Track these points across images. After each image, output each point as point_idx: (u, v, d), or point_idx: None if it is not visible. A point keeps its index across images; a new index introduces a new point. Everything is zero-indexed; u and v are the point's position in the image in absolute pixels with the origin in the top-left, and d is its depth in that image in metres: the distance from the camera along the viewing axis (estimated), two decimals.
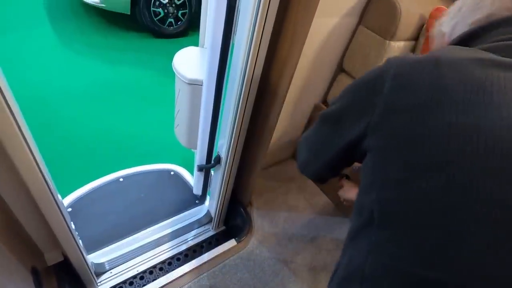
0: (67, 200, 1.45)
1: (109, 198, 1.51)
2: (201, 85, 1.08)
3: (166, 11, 3.03)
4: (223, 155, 1.17)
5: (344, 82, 1.48)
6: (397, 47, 1.26)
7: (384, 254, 0.40)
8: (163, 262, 1.30)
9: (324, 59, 1.39)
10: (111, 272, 1.23)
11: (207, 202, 1.56)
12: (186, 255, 1.34)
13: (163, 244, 1.36)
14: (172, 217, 1.47)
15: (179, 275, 1.26)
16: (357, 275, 0.44)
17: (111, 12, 2.95)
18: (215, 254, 1.36)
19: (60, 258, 1.11)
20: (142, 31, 3.16)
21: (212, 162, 1.23)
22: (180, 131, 1.32)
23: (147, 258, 1.30)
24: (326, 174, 0.61)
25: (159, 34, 3.13)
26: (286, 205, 1.62)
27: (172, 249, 1.35)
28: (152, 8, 2.94)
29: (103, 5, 2.84)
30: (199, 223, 1.48)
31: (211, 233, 1.46)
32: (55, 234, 0.88)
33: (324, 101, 1.63)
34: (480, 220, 0.34)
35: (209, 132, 1.17)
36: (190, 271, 1.28)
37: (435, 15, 1.19)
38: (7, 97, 0.57)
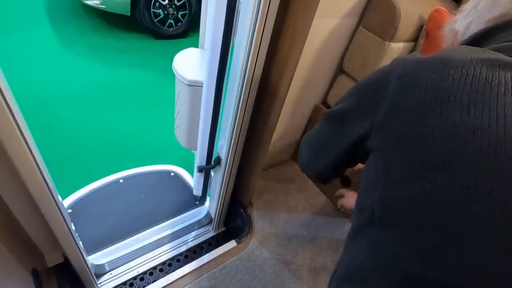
0: (67, 202, 1.45)
1: (109, 199, 1.51)
2: (201, 86, 1.08)
3: (166, 12, 3.04)
4: (223, 156, 1.17)
5: (344, 83, 1.48)
6: (396, 48, 1.27)
7: (385, 254, 0.40)
8: (163, 263, 1.30)
9: (324, 60, 1.39)
10: (111, 274, 1.23)
11: (207, 203, 1.56)
12: (186, 256, 1.34)
13: (163, 245, 1.36)
14: (172, 218, 1.47)
15: (179, 276, 1.26)
16: (357, 275, 0.44)
17: (111, 13, 2.96)
18: (215, 255, 1.36)
19: (60, 260, 1.11)
20: (142, 32, 3.16)
21: (212, 163, 1.23)
22: (180, 132, 1.32)
23: (147, 259, 1.29)
24: (329, 174, 0.60)
25: (159, 35, 3.14)
26: (286, 205, 1.62)
27: (172, 250, 1.35)
28: (152, 9, 2.95)
29: (103, 6, 2.85)
30: (199, 224, 1.48)
31: (211, 234, 1.46)
32: (55, 235, 0.88)
33: (324, 102, 1.63)
34: (480, 220, 0.34)
35: (209, 133, 1.18)
36: (190, 272, 1.28)
37: (434, 16, 1.20)
38: (7, 98, 0.57)
